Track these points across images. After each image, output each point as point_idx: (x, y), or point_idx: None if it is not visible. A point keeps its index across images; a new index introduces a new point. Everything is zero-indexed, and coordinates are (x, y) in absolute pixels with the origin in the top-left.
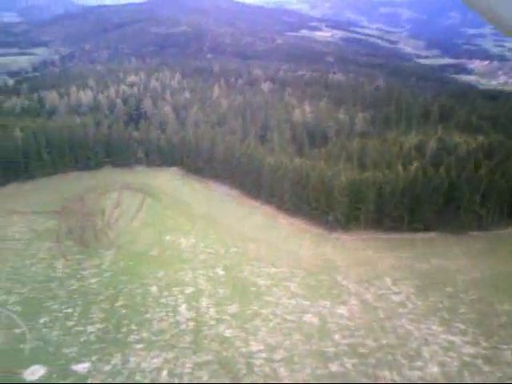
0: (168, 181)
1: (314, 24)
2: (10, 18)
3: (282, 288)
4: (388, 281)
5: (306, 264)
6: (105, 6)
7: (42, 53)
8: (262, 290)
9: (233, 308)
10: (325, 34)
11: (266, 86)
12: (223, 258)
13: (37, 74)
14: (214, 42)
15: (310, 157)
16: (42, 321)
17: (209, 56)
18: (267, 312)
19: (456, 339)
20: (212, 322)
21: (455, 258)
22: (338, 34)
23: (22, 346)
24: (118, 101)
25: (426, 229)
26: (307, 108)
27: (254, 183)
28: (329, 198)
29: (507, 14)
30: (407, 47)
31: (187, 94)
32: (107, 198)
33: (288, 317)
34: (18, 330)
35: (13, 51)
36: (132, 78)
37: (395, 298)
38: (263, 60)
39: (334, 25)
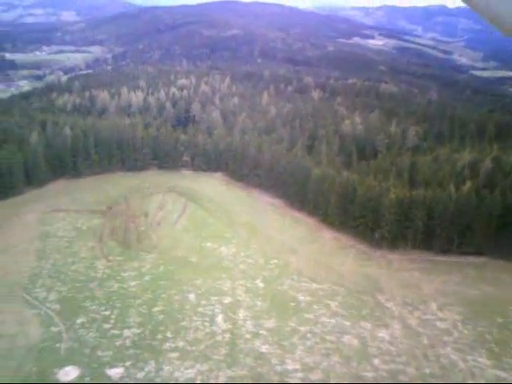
0: (212, 186)
1: (366, 32)
2: (68, 16)
3: (323, 306)
4: (434, 306)
5: (348, 282)
6: (159, 7)
7: (96, 51)
8: (302, 306)
9: (270, 323)
10: (377, 43)
11: (315, 94)
12: (263, 269)
13: (89, 71)
14: (264, 47)
15: (358, 170)
16: (79, 321)
17: (259, 60)
18: (306, 330)
19: (507, 375)
20: (248, 336)
21: (507, 286)
22: (391, 42)
23: (58, 345)
24: (168, 104)
25: (477, 253)
26: (357, 119)
27: (299, 194)
28: (376, 215)
29: (507, 14)
30: (462, 58)
31: (236, 100)
32: (151, 201)
33: (327, 337)
34: (55, 329)
35: (68, 49)
36: (182, 81)
37: (440, 324)
38: (313, 66)
39: (388, 33)
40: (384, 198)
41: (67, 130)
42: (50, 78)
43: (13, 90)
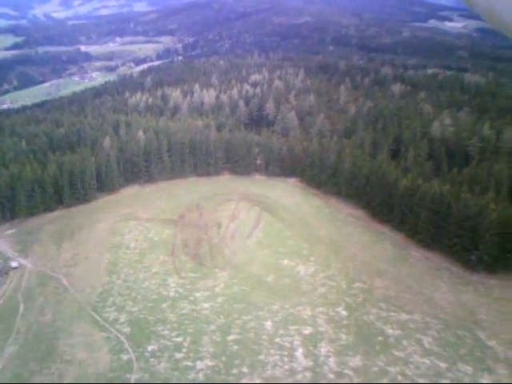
0: (287, 194)
1: (444, 13)
2: (140, 7)
3: (414, 341)
4: None
5: (442, 312)
6: None
7: (166, 41)
8: (391, 342)
9: (356, 360)
10: (456, 25)
11: (396, 88)
12: (346, 294)
13: (160, 61)
14: (337, 34)
15: (450, 179)
16: (149, 348)
17: (331, 48)
18: (395, 371)
19: None
20: (331, 376)
21: None
22: (472, 24)
23: (128, 375)
24: (241, 102)
25: None
26: (447, 120)
27: (384, 206)
28: (473, 234)
29: (507, 14)
30: None
31: (312, 98)
32: (224, 209)
33: (420, 380)
34: (125, 357)
35: (140, 39)
36: (255, 77)
37: None
38: (388, 53)
39: (468, 14)
40: (483, 215)
41: (140, 134)
42: (122, 70)
43: (87, 82)
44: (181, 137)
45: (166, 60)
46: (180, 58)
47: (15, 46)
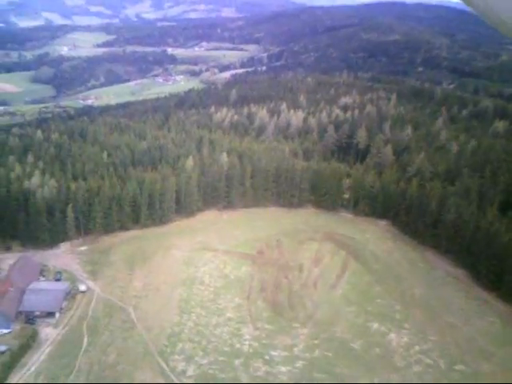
0: (377, 239)
1: None
2: (228, 13)
3: None
4: None
5: None
6: (319, 7)
7: (251, 49)
8: None
9: None
10: None
11: (500, 125)
12: (445, 376)
13: (244, 69)
14: (427, 54)
15: None
16: None
17: (420, 69)
18: None
19: None
20: None
21: None
22: None
23: None
24: (330, 127)
25: None
26: None
27: (491, 269)
28: None
29: (507, 15)
30: None
31: (409, 130)
32: (306, 249)
33: None
34: None
35: (226, 46)
36: (345, 99)
37: None
38: (483, 79)
39: None
40: None
41: (224, 157)
42: (205, 75)
43: (170, 85)
44: (266, 163)
45: (250, 69)
46: (264, 67)
47: (106, 44)
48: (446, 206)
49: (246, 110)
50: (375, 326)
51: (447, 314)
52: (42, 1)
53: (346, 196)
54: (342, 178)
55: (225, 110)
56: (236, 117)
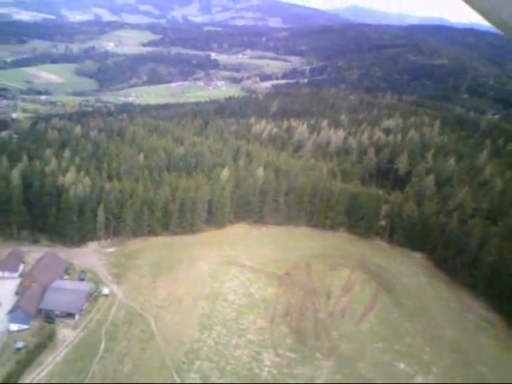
0: (410, 272)
1: None
2: (275, 23)
3: None
4: None
5: None
6: (368, 25)
7: (295, 61)
8: None
9: None
10: None
11: None
12: None
13: (286, 80)
14: (473, 82)
15: None
16: None
17: (465, 96)
18: None
19: None
20: None
21: None
22: None
23: None
24: (371, 149)
25: None
26: None
27: None
28: None
29: (508, 15)
30: None
31: (452, 161)
32: (336, 276)
33: None
34: None
35: (269, 55)
36: (388, 122)
37: None
38: None
39: None
40: None
41: (260, 171)
42: (247, 83)
43: (211, 90)
44: (302, 181)
45: (292, 80)
46: (306, 80)
47: (151, 43)
48: (487, 247)
49: (285, 124)
50: (401, 366)
51: (478, 361)
52: None
53: (382, 223)
54: (380, 205)
55: (264, 121)
56: (275, 130)
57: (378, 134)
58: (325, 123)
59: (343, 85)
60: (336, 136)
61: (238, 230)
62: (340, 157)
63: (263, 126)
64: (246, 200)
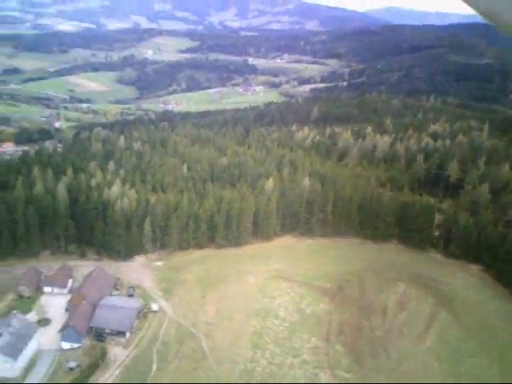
0: (468, 286)
1: None
2: (312, 26)
3: None
4: None
5: None
6: (406, 26)
7: (333, 64)
8: None
9: None
10: None
11: None
12: None
13: (325, 84)
14: None
15: None
16: None
17: None
18: None
19: None
20: None
21: None
22: None
23: None
24: (420, 156)
25: None
26: None
27: None
28: None
29: (507, 14)
30: None
31: (506, 167)
32: (391, 291)
33: None
34: None
35: (307, 59)
36: (435, 127)
37: None
38: None
39: None
40: None
41: (306, 181)
42: (285, 88)
43: (249, 95)
44: (350, 190)
45: (330, 84)
46: (345, 83)
47: (189, 50)
48: None
49: (328, 130)
50: None
51: None
52: (131, 4)
53: (436, 234)
54: (433, 214)
55: (306, 128)
56: (318, 137)
57: (426, 139)
58: (369, 129)
59: (383, 87)
60: (382, 142)
61: (285, 243)
62: (387, 164)
63: (306, 133)
64: (292, 211)
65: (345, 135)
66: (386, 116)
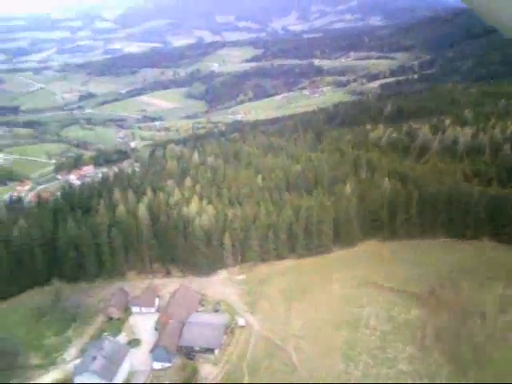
0: None
1: None
2: (375, 21)
3: None
4: None
5: None
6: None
7: (401, 57)
8: None
9: None
10: None
11: None
12: None
13: (394, 78)
14: None
15: None
16: None
17: None
18: None
19: None
20: None
21: None
22: None
23: None
24: (506, 146)
25: None
26: None
27: None
28: None
29: (507, 15)
30: None
31: None
32: (487, 292)
33: None
34: None
35: (373, 55)
36: None
37: None
38: None
39: None
40: None
41: (386, 181)
42: (353, 86)
43: (316, 97)
44: (434, 188)
45: (400, 77)
46: (415, 76)
47: (254, 59)
48: None
49: (404, 126)
50: None
51: None
52: (194, 20)
53: None
54: None
55: (381, 126)
56: (394, 134)
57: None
58: (448, 121)
59: (457, 76)
60: (463, 134)
61: (369, 248)
62: (470, 157)
63: (381, 131)
64: (373, 214)
65: (423, 130)
66: (464, 106)
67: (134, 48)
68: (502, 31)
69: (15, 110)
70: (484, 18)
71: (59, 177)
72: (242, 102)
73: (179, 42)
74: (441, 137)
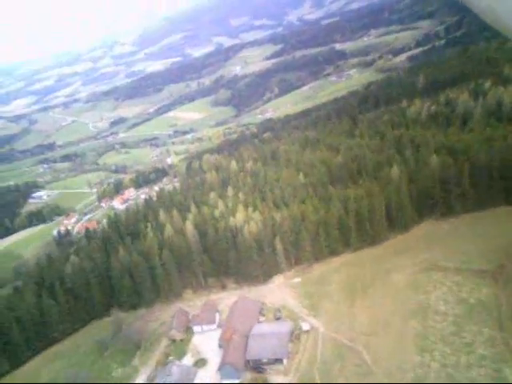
0: None
1: None
2: None
3: None
4: None
5: None
6: None
7: (425, 26)
8: None
9: None
10: None
11: None
12: None
13: (420, 48)
14: None
15: None
16: None
17: None
18: None
19: None
20: None
21: None
22: None
23: None
24: None
25: None
26: None
27: None
28: None
29: (507, 15)
30: None
31: None
32: None
33: None
34: None
35: (395, 28)
36: None
37: None
38: None
39: None
40: None
41: (434, 159)
42: (380, 63)
43: (343, 81)
44: (485, 156)
45: (427, 46)
46: (442, 42)
47: (274, 55)
48: None
49: (441, 97)
50: None
51: None
52: (210, 27)
53: None
54: None
55: (417, 101)
56: (433, 106)
57: None
58: (488, 83)
59: (487, 33)
60: (507, 95)
61: (426, 229)
62: None
63: (418, 106)
64: (426, 194)
65: (462, 97)
66: (503, 64)
67: (156, 66)
68: (502, 31)
69: (51, 146)
70: (484, 18)
71: (103, 204)
72: (269, 100)
73: (199, 52)
74: (482, 101)
